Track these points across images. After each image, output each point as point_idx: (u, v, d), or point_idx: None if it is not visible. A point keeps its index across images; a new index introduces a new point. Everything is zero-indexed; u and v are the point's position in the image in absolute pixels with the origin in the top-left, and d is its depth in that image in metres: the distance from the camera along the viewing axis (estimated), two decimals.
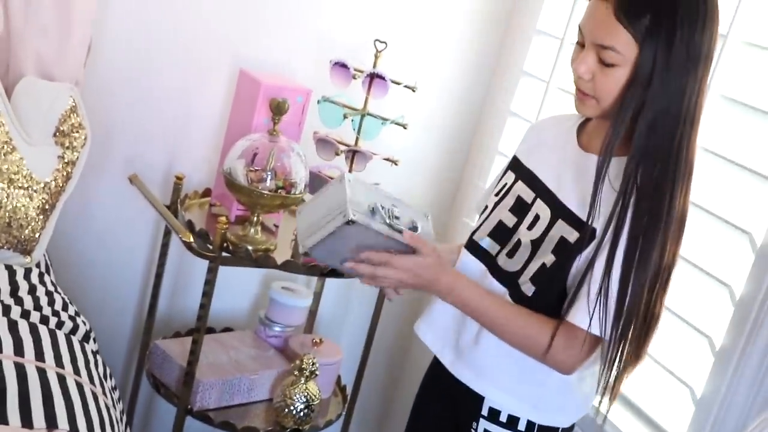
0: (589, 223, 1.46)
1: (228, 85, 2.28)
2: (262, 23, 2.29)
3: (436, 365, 1.74)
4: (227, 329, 2.42)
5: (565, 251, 1.49)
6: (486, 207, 1.67)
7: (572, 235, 1.49)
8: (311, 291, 2.46)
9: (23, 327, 1.62)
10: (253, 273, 2.45)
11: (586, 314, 1.45)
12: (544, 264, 1.51)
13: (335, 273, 2.04)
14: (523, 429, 1.60)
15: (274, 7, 2.30)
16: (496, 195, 1.66)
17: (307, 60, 2.35)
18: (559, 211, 1.52)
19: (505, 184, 1.65)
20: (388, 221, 1.48)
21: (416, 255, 1.50)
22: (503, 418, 1.61)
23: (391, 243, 1.49)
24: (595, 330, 1.45)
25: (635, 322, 1.45)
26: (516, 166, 1.66)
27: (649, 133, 1.42)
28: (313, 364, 2.14)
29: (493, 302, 1.54)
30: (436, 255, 1.52)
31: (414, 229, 1.52)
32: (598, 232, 1.45)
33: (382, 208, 1.48)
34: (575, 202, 1.50)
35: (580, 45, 1.47)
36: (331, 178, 2.22)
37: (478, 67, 2.57)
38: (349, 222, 1.45)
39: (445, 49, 2.52)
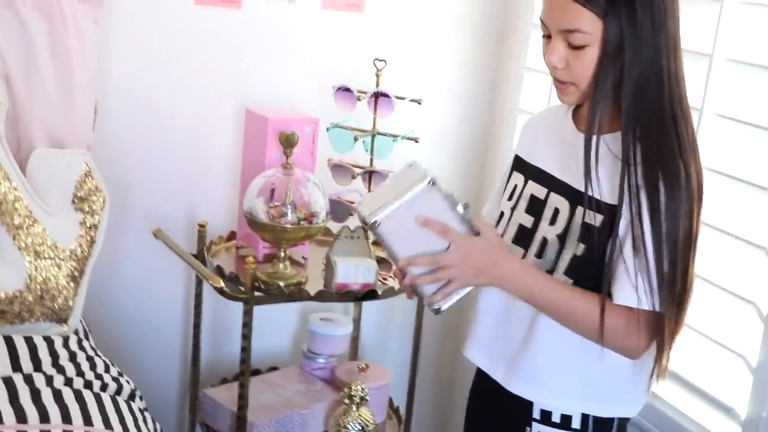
0: (589, 193, 1.45)
1: (236, 125, 2.29)
2: (260, 61, 2.31)
3: (481, 375, 1.72)
4: (273, 368, 2.42)
5: (592, 236, 1.47)
6: (502, 213, 1.65)
7: (595, 219, 1.47)
8: (350, 318, 2.45)
9: (68, 395, 1.62)
10: (289, 308, 2.45)
11: (633, 292, 1.42)
12: (575, 255, 1.49)
13: (370, 296, 2.04)
14: (578, 426, 1.57)
15: (271, 44, 2.31)
16: (509, 199, 1.64)
17: (310, 89, 2.35)
18: (577, 198, 1.50)
19: (515, 185, 1.63)
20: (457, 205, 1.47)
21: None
22: (556, 419, 1.58)
23: (456, 224, 1.45)
24: (647, 305, 1.42)
25: (678, 288, 1.43)
26: (521, 165, 1.65)
27: (635, 100, 1.42)
28: (362, 390, 2.12)
29: (557, 284, 1.51)
30: (500, 239, 1.52)
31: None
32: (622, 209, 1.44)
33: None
34: (589, 185, 1.49)
35: (547, 38, 1.47)
36: (351, 203, 2.22)
37: (480, 69, 2.56)
38: (431, 182, 1.42)
39: (445, 57, 2.52)
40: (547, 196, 1.56)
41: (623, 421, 1.62)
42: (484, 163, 2.62)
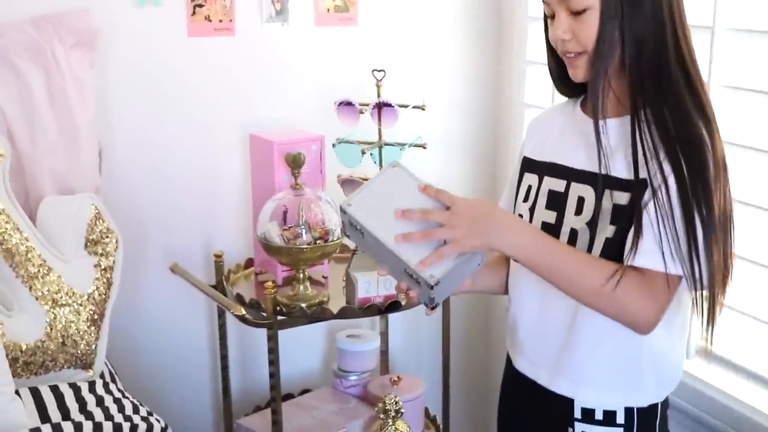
0: (605, 171, 1.43)
1: (242, 152, 2.28)
2: (259, 85, 2.30)
3: (511, 378, 1.69)
4: (305, 390, 2.40)
5: (624, 215, 1.45)
6: (521, 216, 1.62)
7: (624, 198, 1.45)
8: (377, 332, 2.43)
9: None
10: (315, 329, 2.43)
11: (658, 255, 1.39)
12: (607, 238, 1.46)
13: (394, 307, 2.02)
14: (623, 421, 1.54)
15: (268, 67, 2.31)
16: (525, 201, 1.61)
17: (312, 108, 2.34)
18: (603, 182, 1.48)
19: (529, 186, 1.60)
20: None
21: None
22: (599, 416, 1.55)
23: (429, 204, 1.42)
24: (672, 269, 1.39)
25: (711, 251, 1.39)
26: (531, 165, 1.62)
27: (639, 57, 1.41)
28: (396, 403, 2.10)
29: (564, 244, 1.48)
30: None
31: None
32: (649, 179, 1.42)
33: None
34: (614, 167, 1.46)
35: (550, 17, 1.48)
36: None
37: (480, 68, 2.54)
38: (394, 165, 1.43)
39: (444, 60, 2.51)
40: (568, 187, 1.53)
41: (665, 409, 1.59)
42: (495, 161, 2.59)
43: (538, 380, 1.60)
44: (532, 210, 1.58)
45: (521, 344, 1.62)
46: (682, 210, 1.38)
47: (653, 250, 1.39)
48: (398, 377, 2.27)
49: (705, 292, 1.48)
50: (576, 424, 1.56)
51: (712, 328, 1.48)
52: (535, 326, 1.58)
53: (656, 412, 1.56)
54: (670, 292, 1.41)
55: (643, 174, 1.42)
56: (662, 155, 1.40)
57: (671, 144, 1.40)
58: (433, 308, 1.48)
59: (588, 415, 1.55)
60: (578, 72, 1.48)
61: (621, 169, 1.45)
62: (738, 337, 1.87)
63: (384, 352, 2.46)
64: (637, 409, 1.54)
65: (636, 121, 1.42)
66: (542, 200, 1.56)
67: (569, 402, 1.55)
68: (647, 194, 1.41)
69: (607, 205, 1.47)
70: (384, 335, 2.46)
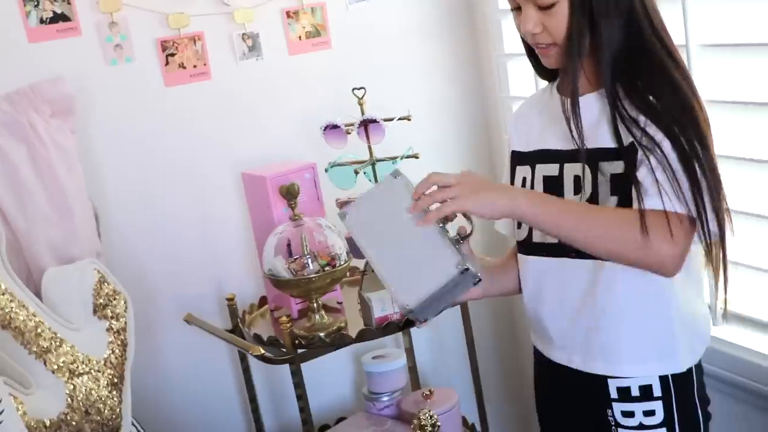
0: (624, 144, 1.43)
1: (236, 191, 2.28)
2: (243, 123, 2.30)
3: (547, 372, 1.67)
4: (341, 419, 2.37)
5: (623, 184, 1.44)
6: None
7: (620, 167, 1.44)
8: (402, 349, 2.41)
9: None
10: (340, 356, 2.40)
11: (664, 196, 1.38)
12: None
13: (412, 322, 1.99)
14: (660, 393, 1.51)
15: (249, 103, 2.30)
16: None
17: (300, 136, 2.34)
18: (596, 156, 1.47)
19: (524, 177, 1.59)
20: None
21: None
22: (635, 392, 1.52)
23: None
24: (680, 208, 1.37)
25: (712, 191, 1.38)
26: (521, 158, 1.62)
27: (611, 42, 1.42)
28: (431, 417, 2.08)
29: (569, 201, 1.48)
30: None
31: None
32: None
33: None
34: (603, 138, 1.46)
35: (517, 10, 1.48)
36: None
37: (460, 69, 2.53)
38: (396, 175, 1.44)
39: (422, 67, 2.50)
40: (561, 170, 1.53)
41: (700, 375, 1.56)
42: (490, 156, 2.57)
43: (571, 365, 1.58)
44: None
45: (548, 333, 1.60)
46: (683, 166, 1.37)
47: (656, 193, 1.38)
48: (430, 391, 2.24)
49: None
50: (614, 404, 1.54)
51: (725, 283, 1.47)
52: (557, 312, 1.57)
53: (692, 378, 1.54)
54: (684, 233, 1.39)
55: (628, 139, 1.42)
56: (642, 121, 1.40)
57: (654, 111, 1.40)
58: (422, 322, 1.45)
59: (624, 393, 1.53)
60: (551, 61, 1.50)
61: (608, 140, 1.45)
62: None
63: (412, 368, 2.43)
64: (672, 377, 1.51)
65: (611, 92, 1.43)
66: (538, 187, 1.56)
67: (603, 384, 1.53)
68: (640, 154, 1.41)
69: (603, 177, 1.45)
70: (409, 351, 2.43)
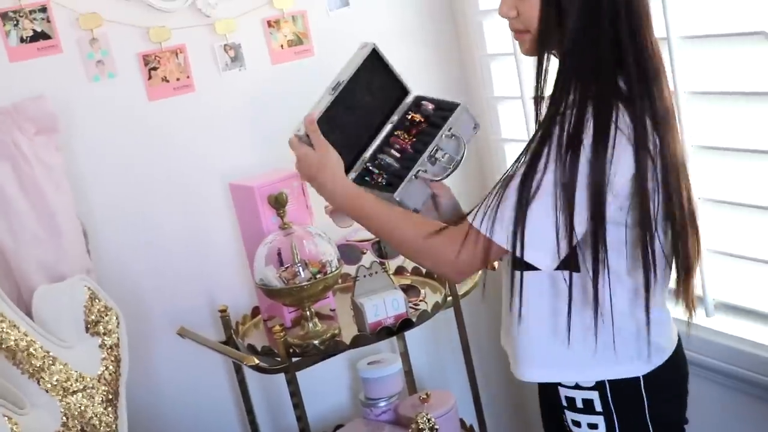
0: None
1: (225, 203, 2.27)
2: (229, 133, 2.29)
3: None
4: (338, 426, 2.37)
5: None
6: None
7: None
8: (397, 354, 2.41)
9: None
10: (335, 364, 2.39)
11: (478, 209, 1.44)
12: None
13: (406, 326, 1.99)
14: (601, 409, 1.52)
15: (234, 114, 2.29)
16: None
17: (286, 145, 2.31)
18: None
19: None
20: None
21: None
22: (579, 404, 1.54)
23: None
24: (476, 223, 1.42)
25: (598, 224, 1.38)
26: None
27: (573, 44, 1.40)
28: (429, 420, 2.08)
29: (377, 200, 1.59)
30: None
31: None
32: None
33: None
34: None
35: None
36: (361, 241, 2.19)
37: (443, 71, 2.54)
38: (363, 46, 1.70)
39: (408, 70, 2.48)
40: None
41: (656, 389, 1.53)
42: (478, 159, 2.57)
43: (511, 369, 1.64)
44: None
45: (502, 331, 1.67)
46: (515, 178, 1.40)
47: (480, 207, 1.44)
48: (427, 394, 2.24)
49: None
50: (566, 412, 1.57)
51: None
52: (503, 316, 1.63)
53: (640, 399, 1.52)
54: (476, 246, 1.43)
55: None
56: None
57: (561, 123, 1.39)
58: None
59: (571, 403, 1.56)
60: (524, 48, 1.51)
61: None
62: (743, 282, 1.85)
63: (408, 372, 2.43)
64: (612, 393, 1.51)
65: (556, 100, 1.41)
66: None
67: (555, 390, 1.57)
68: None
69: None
70: (405, 355, 2.43)
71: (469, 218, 1.45)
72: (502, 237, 1.40)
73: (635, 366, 1.50)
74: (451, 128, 1.67)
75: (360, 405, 2.34)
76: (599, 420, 1.53)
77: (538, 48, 1.45)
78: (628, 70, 1.38)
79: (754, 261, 1.82)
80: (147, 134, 2.20)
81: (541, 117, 1.44)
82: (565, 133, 1.36)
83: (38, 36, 2.04)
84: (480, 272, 2.16)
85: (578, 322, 1.46)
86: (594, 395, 1.52)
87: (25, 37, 2.03)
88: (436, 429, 2.07)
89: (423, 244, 1.49)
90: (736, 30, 1.75)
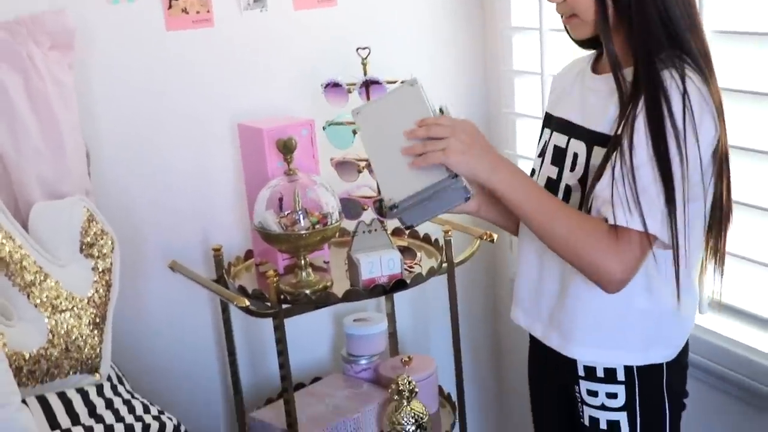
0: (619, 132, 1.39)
1: (231, 142, 2.25)
2: (243, 74, 2.26)
3: (533, 340, 1.70)
4: (316, 378, 2.37)
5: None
6: (533, 171, 1.62)
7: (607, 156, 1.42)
8: (383, 314, 2.41)
9: None
10: (321, 316, 2.40)
11: (627, 212, 1.36)
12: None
13: (399, 286, 1.99)
14: (623, 378, 1.53)
15: (250, 55, 2.27)
16: (540, 155, 1.62)
17: (299, 92, 2.31)
18: (592, 138, 1.46)
19: (545, 141, 1.61)
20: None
21: None
22: (600, 374, 1.55)
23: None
24: (635, 225, 1.35)
25: (679, 208, 1.36)
26: (548, 120, 1.63)
27: (638, 17, 1.39)
28: (409, 383, 2.08)
29: (551, 196, 1.46)
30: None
31: None
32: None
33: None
34: (604, 123, 1.44)
35: None
36: (363, 198, 2.18)
37: (465, 36, 2.52)
38: (412, 83, 1.45)
39: (428, 31, 2.47)
40: (567, 143, 1.53)
41: (676, 370, 1.57)
42: (488, 126, 2.56)
43: (533, 332, 1.63)
44: (541, 165, 1.60)
45: (520, 296, 1.65)
46: (643, 167, 1.35)
47: (609, 201, 1.37)
48: (409, 357, 2.24)
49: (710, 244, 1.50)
50: (581, 381, 1.57)
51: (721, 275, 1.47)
52: (532, 280, 1.60)
53: (661, 373, 1.54)
54: (639, 249, 1.38)
55: (620, 130, 1.39)
56: (641, 116, 1.36)
57: (650, 101, 1.36)
58: (407, 228, 1.48)
59: (590, 373, 1.55)
60: (576, 32, 1.50)
61: (608, 126, 1.44)
62: (750, 287, 1.84)
63: (392, 335, 2.43)
64: (637, 367, 1.52)
65: (621, 77, 1.40)
66: (548, 156, 1.57)
67: (573, 360, 1.56)
68: (617, 150, 1.38)
69: (596, 162, 1.45)
70: (391, 317, 2.43)
71: (618, 221, 1.36)
72: (657, 227, 1.36)
73: (667, 350, 1.54)
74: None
75: (341, 360, 2.34)
76: (620, 389, 1.53)
77: (591, 32, 1.45)
78: (693, 54, 1.40)
79: (750, 262, 1.81)
80: (161, 64, 2.17)
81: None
82: (671, 110, 1.34)
83: None
84: (477, 241, 2.19)
85: (643, 300, 1.48)
86: (619, 365, 1.53)
87: None
88: (416, 392, 2.08)
89: (583, 258, 1.40)
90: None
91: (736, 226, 1.55)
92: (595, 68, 1.55)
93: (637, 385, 1.53)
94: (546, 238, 1.43)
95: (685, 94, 1.34)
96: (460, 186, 1.41)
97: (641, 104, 1.36)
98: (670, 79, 1.35)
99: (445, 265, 2.12)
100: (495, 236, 2.17)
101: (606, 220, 1.38)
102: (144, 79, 2.16)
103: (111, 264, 1.88)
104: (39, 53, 1.92)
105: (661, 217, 1.36)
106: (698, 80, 1.37)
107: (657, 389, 1.55)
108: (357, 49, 2.12)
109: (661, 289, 1.47)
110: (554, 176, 1.54)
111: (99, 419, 1.68)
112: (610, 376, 1.54)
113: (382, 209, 2.15)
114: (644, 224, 1.35)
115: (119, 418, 1.69)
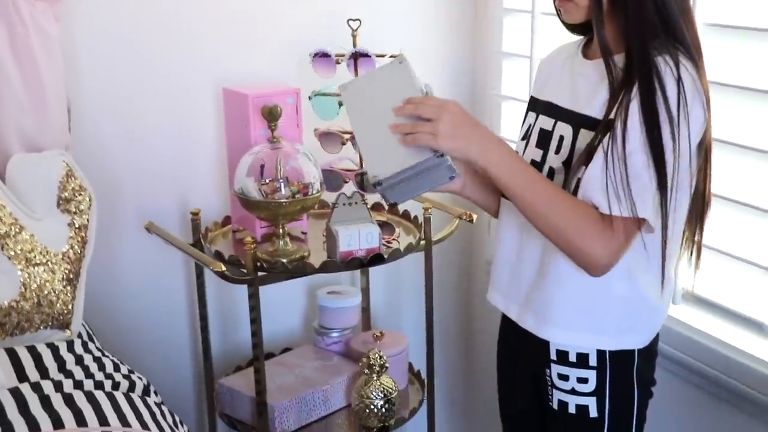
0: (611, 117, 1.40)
1: (215, 107, 2.23)
2: (230, 38, 2.24)
3: (505, 322, 1.71)
4: (286, 349, 2.37)
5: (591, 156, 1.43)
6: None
7: (597, 140, 1.43)
8: (358, 289, 2.40)
9: (79, 397, 1.57)
10: (295, 287, 2.40)
11: (618, 199, 1.37)
12: (579, 179, 1.44)
13: (376, 260, 1.98)
14: (595, 363, 1.54)
15: (239, 19, 2.24)
16: (523, 139, 1.61)
17: (287, 60, 2.29)
18: (579, 121, 1.47)
19: (529, 125, 1.61)
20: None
21: None
22: (572, 358, 1.56)
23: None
24: (625, 212, 1.36)
25: (670, 194, 1.37)
26: (533, 104, 1.64)
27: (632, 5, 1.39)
28: (380, 358, 2.08)
29: (541, 177, 1.46)
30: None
31: None
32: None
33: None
34: (593, 107, 1.45)
35: None
36: (345, 171, 2.17)
37: (456, 15, 2.50)
38: (401, 61, 1.44)
39: (419, 6, 2.46)
40: (554, 126, 1.54)
41: (647, 357, 1.58)
42: (473, 108, 2.56)
43: (508, 314, 1.63)
44: (525, 147, 1.59)
45: (497, 277, 1.65)
46: (638, 152, 1.36)
47: (598, 187, 1.38)
48: (381, 333, 2.25)
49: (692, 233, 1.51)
50: (552, 365, 1.58)
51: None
52: (511, 261, 1.61)
53: (632, 359, 1.55)
54: (626, 235, 1.39)
55: (612, 115, 1.40)
56: (634, 102, 1.36)
57: (641, 86, 1.37)
58: (390, 205, 1.49)
59: (562, 357, 1.56)
60: (571, 17, 1.49)
61: (597, 110, 1.44)
62: (720, 278, 1.86)
63: (365, 310, 2.43)
64: (609, 353, 1.53)
65: (612, 63, 1.41)
66: (534, 138, 1.57)
67: (546, 345, 1.57)
68: (609, 135, 1.38)
69: (581, 145, 1.45)
70: (365, 291, 2.43)
71: (599, 203, 1.38)
72: (648, 212, 1.37)
73: (642, 337, 1.56)
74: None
75: (312, 332, 2.34)
76: (591, 374, 1.55)
77: (584, 16, 1.44)
78: (686, 43, 1.40)
79: (725, 255, 1.83)
80: (148, 22, 2.14)
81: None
82: (666, 96, 1.34)
83: None
84: (456, 221, 2.19)
85: (623, 286, 1.49)
86: (591, 350, 1.54)
87: None
88: (386, 367, 2.08)
89: (572, 243, 1.41)
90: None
91: (713, 219, 1.56)
92: (586, 53, 1.55)
93: (608, 371, 1.54)
94: (534, 219, 1.44)
95: (679, 80, 1.35)
96: (446, 165, 1.40)
97: (635, 90, 1.37)
98: (664, 65, 1.36)
99: (423, 242, 2.11)
100: (474, 216, 2.17)
101: (596, 207, 1.38)
102: (130, 35, 2.13)
103: (87, 221, 1.86)
104: (24, 3, 1.88)
105: (653, 202, 1.37)
106: (691, 68, 1.38)
107: (627, 376, 1.56)
108: (348, 21, 2.10)
109: (642, 276, 1.48)
110: (538, 159, 1.55)
111: (68, 374, 1.67)
112: (582, 360, 1.55)
113: (363, 183, 2.15)
114: (635, 210, 1.36)
115: (89, 375, 1.67)
